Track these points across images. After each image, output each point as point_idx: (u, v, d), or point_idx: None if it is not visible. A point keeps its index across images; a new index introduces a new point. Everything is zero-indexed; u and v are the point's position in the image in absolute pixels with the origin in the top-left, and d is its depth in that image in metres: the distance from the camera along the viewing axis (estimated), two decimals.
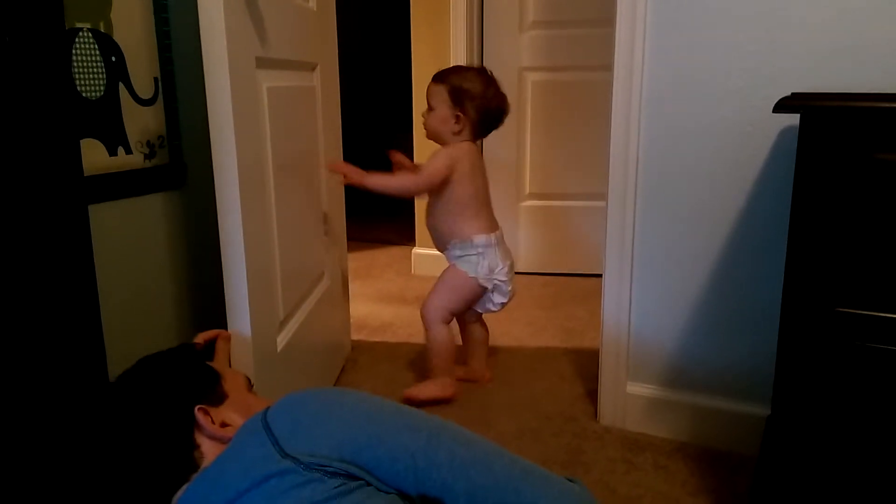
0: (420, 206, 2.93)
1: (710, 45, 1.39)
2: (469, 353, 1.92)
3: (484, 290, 1.76)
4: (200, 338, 1.18)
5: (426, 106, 1.75)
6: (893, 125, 0.91)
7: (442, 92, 1.70)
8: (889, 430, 0.98)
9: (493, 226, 1.79)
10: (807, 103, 0.96)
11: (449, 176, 1.70)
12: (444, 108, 1.70)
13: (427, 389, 1.75)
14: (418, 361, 2.04)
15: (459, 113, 1.69)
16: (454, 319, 1.83)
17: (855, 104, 0.93)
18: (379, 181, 1.69)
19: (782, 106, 0.97)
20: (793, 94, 1.01)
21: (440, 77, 1.73)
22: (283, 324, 1.45)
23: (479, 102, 1.70)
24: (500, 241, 1.79)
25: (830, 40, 1.29)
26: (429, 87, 1.74)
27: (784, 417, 1.05)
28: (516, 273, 2.85)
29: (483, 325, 1.93)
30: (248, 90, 1.24)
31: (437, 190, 1.73)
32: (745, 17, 1.35)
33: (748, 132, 1.39)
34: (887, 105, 0.91)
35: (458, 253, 1.76)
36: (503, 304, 1.81)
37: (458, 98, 1.69)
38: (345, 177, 1.69)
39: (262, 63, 1.30)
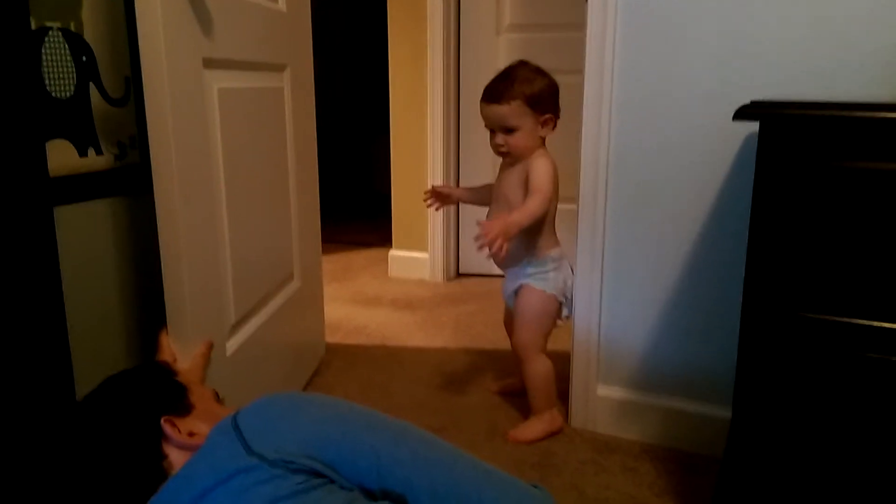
0: (399, 206, 2.92)
1: (680, 52, 1.41)
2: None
3: (560, 305, 1.63)
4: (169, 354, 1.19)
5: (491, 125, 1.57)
6: (849, 133, 0.93)
7: (520, 106, 1.52)
8: (849, 432, 1.00)
9: (557, 237, 1.66)
10: (766, 111, 0.98)
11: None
12: (528, 121, 1.53)
13: (536, 428, 1.63)
14: (393, 364, 2.05)
15: (549, 115, 1.55)
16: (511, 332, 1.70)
17: (812, 112, 0.95)
18: (518, 218, 1.47)
19: (742, 113, 0.98)
20: (752, 101, 1.03)
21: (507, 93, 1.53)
22: (235, 327, 1.43)
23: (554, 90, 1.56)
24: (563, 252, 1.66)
25: (801, 49, 1.32)
26: (491, 108, 1.54)
27: (745, 421, 1.07)
28: (493, 276, 2.87)
29: None
30: (192, 91, 1.22)
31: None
32: (716, 25, 1.37)
33: (716, 138, 1.41)
34: (843, 114, 0.93)
35: (530, 271, 1.61)
36: (568, 317, 1.66)
37: (537, 102, 1.53)
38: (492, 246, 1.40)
39: (212, 63, 1.28)
